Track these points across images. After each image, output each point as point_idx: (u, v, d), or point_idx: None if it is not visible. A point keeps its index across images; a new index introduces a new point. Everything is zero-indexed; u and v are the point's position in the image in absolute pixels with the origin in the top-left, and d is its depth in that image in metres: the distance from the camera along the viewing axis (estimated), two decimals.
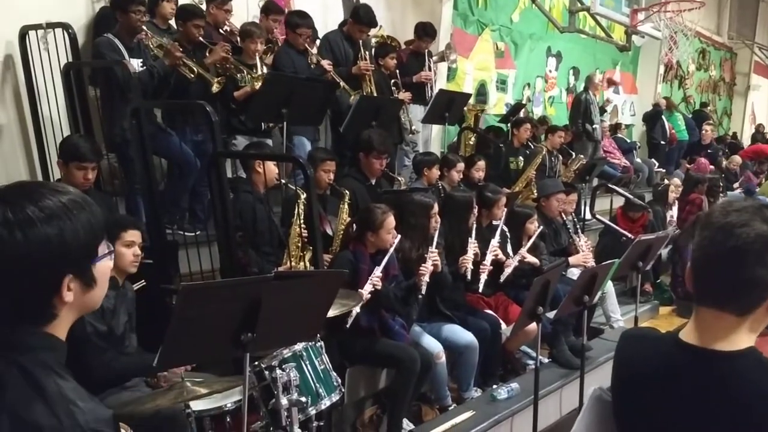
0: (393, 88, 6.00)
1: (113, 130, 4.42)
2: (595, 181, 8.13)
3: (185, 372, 2.96)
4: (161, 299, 4.13)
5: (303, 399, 2.93)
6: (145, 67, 4.38)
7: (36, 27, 4.48)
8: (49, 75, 4.52)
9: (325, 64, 5.35)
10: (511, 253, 4.72)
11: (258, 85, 4.73)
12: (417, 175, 5.46)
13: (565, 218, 5.49)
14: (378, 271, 3.67)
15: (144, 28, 4.47)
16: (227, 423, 3.09)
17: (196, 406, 2.88)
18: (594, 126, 8.65)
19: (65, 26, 4.47)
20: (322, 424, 3.21)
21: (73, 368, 1.26)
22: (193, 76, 4.53)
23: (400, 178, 5.21)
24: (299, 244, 4.18)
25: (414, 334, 4.00)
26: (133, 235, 3.14)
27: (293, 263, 4.16)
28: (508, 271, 4.52)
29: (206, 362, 3.17)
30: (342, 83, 5.40)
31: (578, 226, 5.62)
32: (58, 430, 1.11)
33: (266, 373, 2.97)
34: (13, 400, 1.12)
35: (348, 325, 3.51)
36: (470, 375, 4.19)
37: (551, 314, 3.93)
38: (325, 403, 3.09)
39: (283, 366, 2.98)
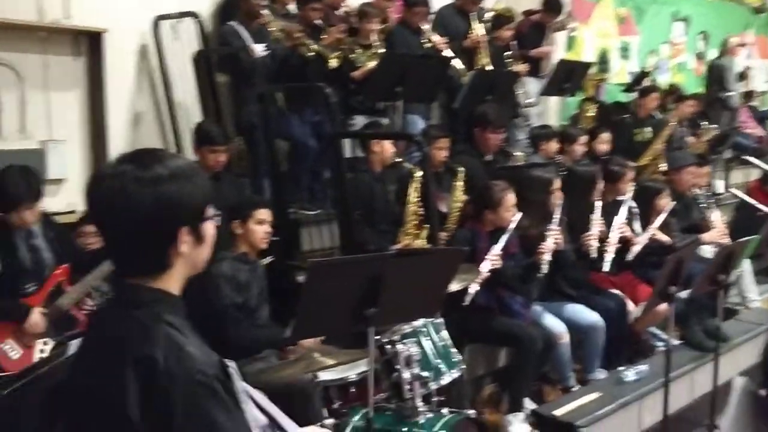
0: (509, 60, 5.85)
1: (241, 115, 4.62)
2: (728, 153, 7.58)
3: (316, 344, 3.07)
4: (287, 275, 4.32)
5: (425, 374, 2.98)
6: (267, 51, 4.53)
7: (168, 17, 4.75)
8: (181, 63, 4.78)
9: (439, 42, 5.29)
10: (639, 231, 4.51)
11: (372, 64, 4.77)
12: (533, 149, 5.32)
13: (696, 193, 5.18)
14: (497, 250, 3.63)
15: (264, 12, 4.61)
16: (351, 393, 3.20)
17: (323, 376, 2.99)
18: (730, 93, 8.04)
19: (194, 15, 4.70)
20: (443, 399, 3.24)
21: (214, 339, 1.36)
22: (312, 54, 4.62)
23: (517, 153, 5.09)
24: (415, 222, 4.22)
25: (535, 314, 3.93)
26: (264, 214, 3.28)
27: (409, 241, 4.20)
28: (636, 249, 4.32)
29: (330, 335, 3.26)
30: (456, 63, 5.32)
31: (711, 201, 5.29)
32: (168, 370, 1.21)
33: (388, 347, 3.03)
34: (134, 348, 1.24)
35: (466, 303, 3.50)
36: (595, 356, 4.08)
37: (684, 294, 3.74)
38: (446, 379, 3.11)
39: (404, 341, 3.03)
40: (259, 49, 4.47)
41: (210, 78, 4.76)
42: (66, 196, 4.45)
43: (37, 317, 3.16)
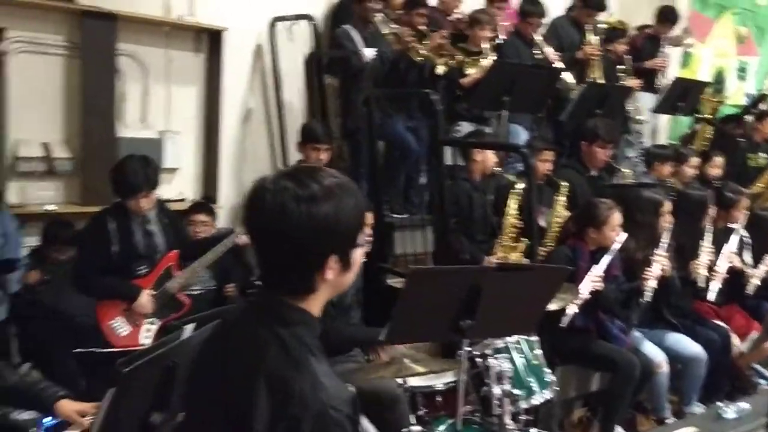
0: (621, 74, 5.69)
1: (348, 117, 4.71)
2: None
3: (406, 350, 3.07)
4: (378, 277, 4.35)
5: (516, 392, 2.93)
6: (376, 56, 4.59)
7: (283, 18, 4.89)
8: (293, 64, 4.92)
9: (552, 55, 5.20)
10: (749, 261, 4.27)
11: (472, 70, 4.74)
12: (647, 168, 5.13)
13: None
14: (598, 271, 3.52)
15: (377, 16, 4.67)
16: (437, 402, 3.18)
17: (411, 382, 2.99)
18: None
19: (309, 18, 4.83)
20: (531, 418, 3.17)
21: None
22: (421, 59, 4.64)
23: (625, 171, 4.91)
24: (512, 235, 4.15)
25: (634, 340, 3.79)
26: (367, 217, 3.30)
27: (505, 254, 4.14)
28: (755, 282, 4.10)
29: (423, 342, 3.26)
30: (567, 76, 5.21)
31: None
32: (302, 398, 1.21)
33: (478, 360, 2.99)
34: (271, 366, 1.25)
35: (564, 325, 3.41)
36: (694, 389, 3.90)
37: None
38: (538, 399, 3.05)
39: (497, 356, 2.99)
40: (369, 54, 4.53)
41: (319, 80, 4.87)
42: (178, 184, 4.69)
43: (146, 298, 3.33)
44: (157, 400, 1.87)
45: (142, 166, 3.29)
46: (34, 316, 3.65)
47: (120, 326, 3.33)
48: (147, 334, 3.34)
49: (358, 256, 1.35)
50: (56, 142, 4.20)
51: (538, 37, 5.27)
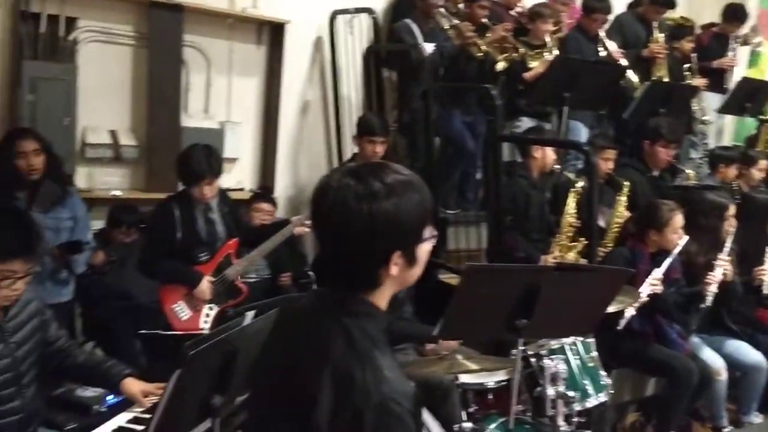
0: (687, 72, 5.53)
1: (405, 111, 4.71)
2: None
3: (457, 346, 3.08)
4: (429, 271, 4.34)
5: (571, 393, 2.89)
6: (436, 50, 4.57)
7: (344, 12, 4.92)
8: (351, 57, 4.95)
9: (616, 52, 5.09)
10: None
11: (535, 63, 4.66)
12: (711, 170, 4.99)
13: None
14: (658, 273, 3.44)
15: (439, 11, 4.65)
16: (488, 400, 3.17)
17: (462, 378, 2.99)
18: None
19: (369, 11, 4.84)
20: (583, 420, 3.13)
21: None
22: (480, 54, 4.61)
23: (688, 172, 4.78)
24: (569, 234, 4.08)
25: (693, 346, 3.70)
26: None
27: (562, 253, 4.08)
28: None
29: (477, 340, 3.25)
30: (631, 74, 5.09)
31: None
32: (364, 389, 1.22)
33: (532, 360, 2.97)
34: (336, 356, 1.27)
35: (620, 327, 3.35)
36: (754, 398, 3.79)
37: None
38: (592, 402, 3.01)
39: (552, 356, 2.96)
40: (429, 49, 4.52)
41: (377, 73, 4.88)
42: (237, 174, 4.78)
43: (206, 284, 3.41)
44: (218, 382, 1.92)
45: (205, 155, 3.36)
46: (98, 296, 3.80)
47: (182, 310, 3.43)
48: (206, 319, 3.42)
49: (424, 250, 1.35)
50: (123, 130, 4.33)
51: (602, 34, 5.17)
